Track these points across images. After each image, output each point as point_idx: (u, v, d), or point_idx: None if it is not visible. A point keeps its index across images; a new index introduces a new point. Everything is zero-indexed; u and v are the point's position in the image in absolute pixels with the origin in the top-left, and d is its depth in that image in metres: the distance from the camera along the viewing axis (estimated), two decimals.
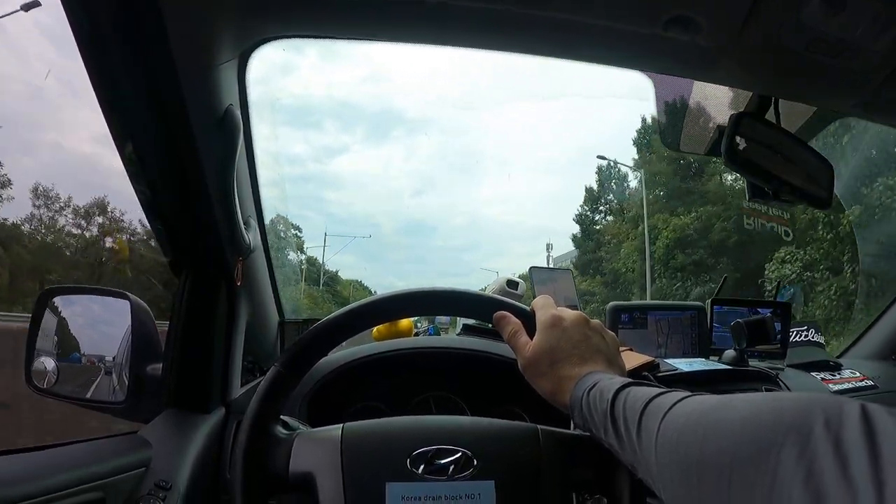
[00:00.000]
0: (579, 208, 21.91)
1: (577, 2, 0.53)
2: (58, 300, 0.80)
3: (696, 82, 0.73)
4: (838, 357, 1.27)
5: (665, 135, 0.76)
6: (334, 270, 28.39)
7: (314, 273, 23.69)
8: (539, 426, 0.58)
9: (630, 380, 0.48)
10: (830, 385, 1.09)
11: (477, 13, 0.56)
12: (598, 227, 21.58)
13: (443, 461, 0.53)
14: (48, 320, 0.78)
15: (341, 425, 0.56)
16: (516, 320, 0.57)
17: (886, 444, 0.23)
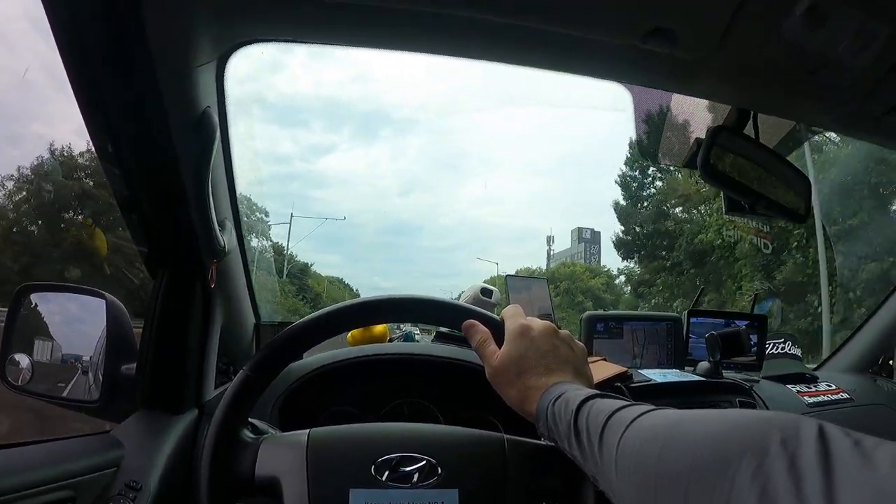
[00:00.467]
0: (622, 169, 16.52)
1: (556, 13, 0.53)
2: (34, 297, 0.80)
3: (675, 95, 0.73)
4: (815, 370, 1.27)
5: (642, 146, 0.77)
6: (305, 262, 23.36)
7: (279, 262, 19.41)
8: (505, 436, 0.58)
9: (595, 391, 0.48)
10: (806, 398, 1.09)
11: (456, 22, 0.55)
12: (652, 192, 16.23)
13: (407, 469, 0.54)
14: (24, 317, 0.78)
15: (308, 431, 0.56)
16: (484, 329, 0.57)
17: (840, 465, 0.23)
